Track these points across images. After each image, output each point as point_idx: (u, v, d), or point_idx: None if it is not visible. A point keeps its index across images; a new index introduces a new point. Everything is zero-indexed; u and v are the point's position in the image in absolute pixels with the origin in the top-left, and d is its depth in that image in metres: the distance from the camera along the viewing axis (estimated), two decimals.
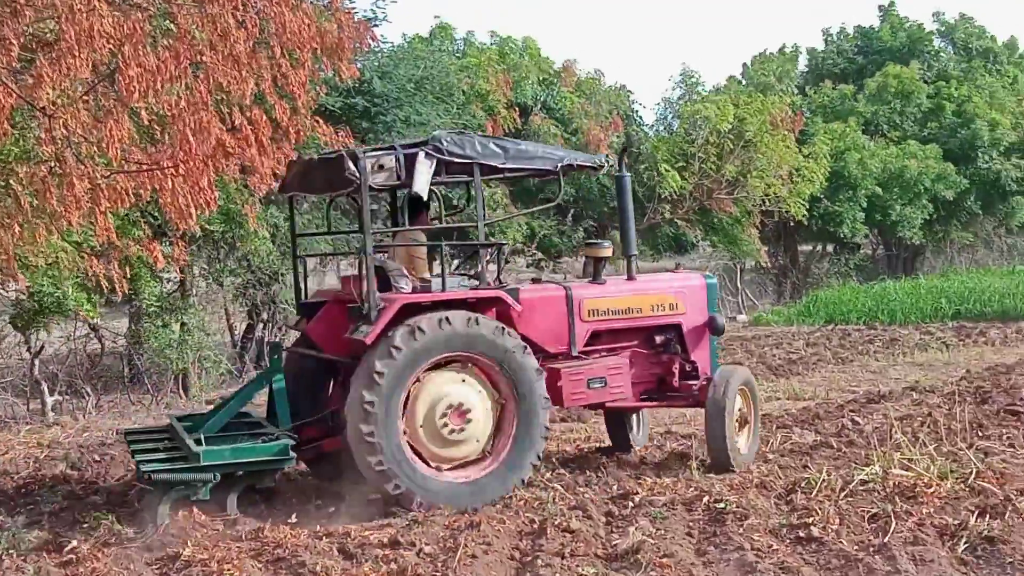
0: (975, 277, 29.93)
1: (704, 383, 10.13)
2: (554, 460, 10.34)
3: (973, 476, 8.51)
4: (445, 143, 9.33)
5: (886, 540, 7.12)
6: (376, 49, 18.67)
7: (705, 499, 8.30)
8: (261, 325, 18.23)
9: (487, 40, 23.16)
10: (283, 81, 10.24)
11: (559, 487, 9.25)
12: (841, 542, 7.20)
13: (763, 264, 31.36)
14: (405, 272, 9.51)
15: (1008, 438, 10.46)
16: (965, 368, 16.31)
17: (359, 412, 8.69)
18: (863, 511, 7.81)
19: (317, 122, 14.81)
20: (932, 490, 8.20)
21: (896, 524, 7.41)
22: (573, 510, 8.25)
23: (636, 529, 7.57)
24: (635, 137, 24.07)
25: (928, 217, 32.56)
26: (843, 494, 8.25)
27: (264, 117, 9.65)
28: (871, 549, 7.04)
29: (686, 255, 29.05)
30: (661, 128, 25.41)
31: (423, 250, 10.27)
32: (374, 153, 9.35)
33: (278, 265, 17.13)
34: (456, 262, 12.34)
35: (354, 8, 17.13)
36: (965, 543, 7.10)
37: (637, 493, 8.64)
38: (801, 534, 7.41)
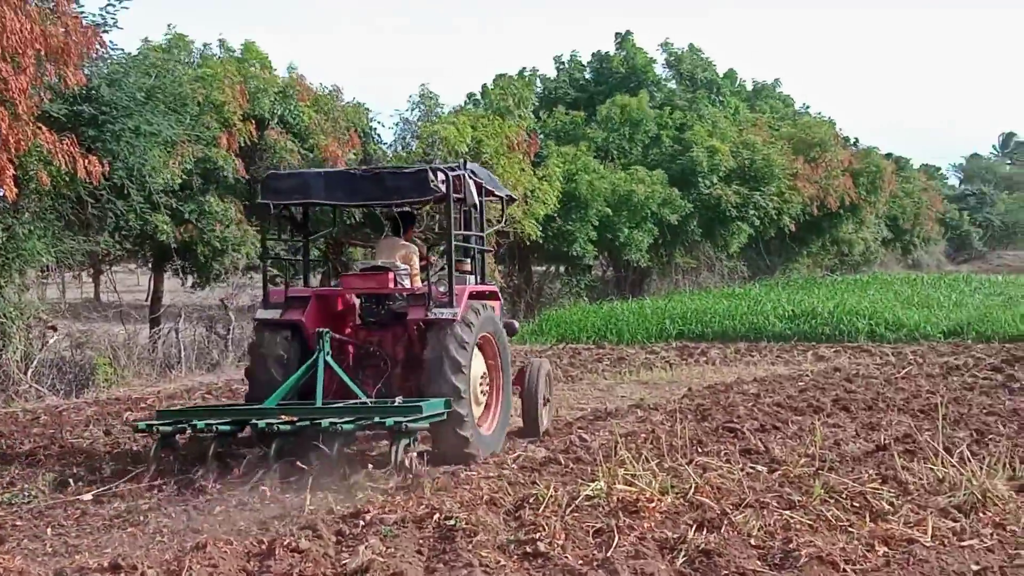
0: (697, 299, 31.22)
1: None
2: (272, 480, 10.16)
3: (692, 491, 8.82)
4: (476, 171, 12.18)
5: (609, 554, 7.30)
6: (105, 56, 18.04)
7: (436, 516, 8.31)
8: None
9: (217, 48, 22.59)
10: (2, 86, 9.78)
11: (289, 506, 9.11)
12: (566, 557, 7.34)
13: (498, 283, 31.87)
14: (408, 270, 12.18)
15: (725, 454, 10.88)
16: (687, 386, 17.02)
17: (454, 372, 10.94)
18: (588, 526, 7.99)
19: (40, 129, 14.23)
20: (654, 505, 8.45)
21: (619, 538, 7.60)
22: (303, 530, 8.11)
23: (366, 548, 7.50)
24: (373, 156, 24.01)
25: (654, 240, 33.81)
26: (569, 509, 8.42)
27: None
28: (595, 563, 7.19)
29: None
30: (399, 147, 25.40)
31: (418, 256, 12.64)
32: (447, 168, 11.56)
33: None
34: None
35: (83, 12, 16.53)
36: (684, 556, 7.33)
37: (368, 511, 8.58)
38: (528, 550, 7.51)
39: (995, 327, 24.02)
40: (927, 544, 7.47)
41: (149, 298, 22.71)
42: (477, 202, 12.10)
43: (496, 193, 13.16)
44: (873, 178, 47.07)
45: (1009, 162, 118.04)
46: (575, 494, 8.84)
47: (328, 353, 11.24)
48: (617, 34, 41.98)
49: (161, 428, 10.57)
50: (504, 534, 7.94)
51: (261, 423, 10.27)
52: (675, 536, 7.70)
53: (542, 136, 32.33)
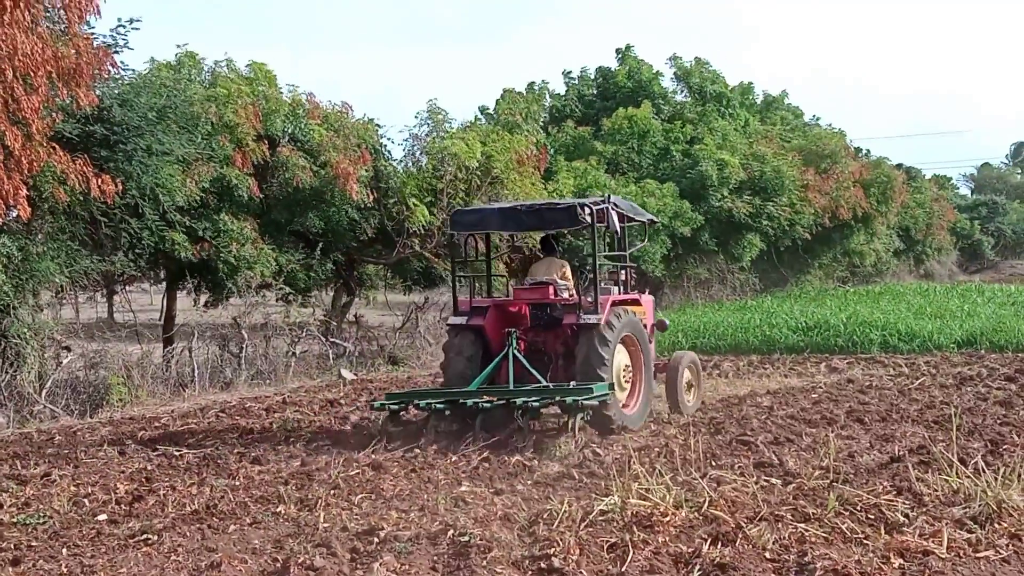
0: (710, 312, 31.20)
1: None
2: (295, 498, 10.18)
3: (707, 505, 8.85)
4: (618, 202, 14.93)
5: (623, 569, 7.33)
6: (116, 76, 18.13)
7: (450, 533, 8.34)
8: None
9: (223, 67, 22.58)
10: (15, 106, 9.84)
11: (304, 523, 9.13)
12: (581, 572, 7.37)
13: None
14: (568, 286, 14.85)
15: (739, 467, 10.90)
16: (700, 400, 16.97)
17: (598, 365, 13.59)
18: (602, 541, 8.02)
19: (53, 149, 14.31)
20: (668, 519, 8.48)
21: (633, 553, 7.63)
22: (317, 548, 8.15)
23: (380, 565, 7.54)
24: (383, 171, 24.05)
25: (667, 252, 33.81)
26: (583, 525, 8.45)
27: None
28: None
29: (435, 288, 29.20)
30: (409, 163, 25.44)
31: (569, 270, 15.38)
32: (591, 203, 14.27)
33: (9, 298, 16.38)
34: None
35: (93, 34, 16.64)
36: (699, 570, 7.36)
37: (383, 528, 8.61)
38: (543, 565, 7.54)
39: (1008, 337, 23.95)
40: (942, 556, 7.49)
41: (163, 317, 22.75)
42: (618, 228, 14.81)
43: (638, 219, 16.06)
44: (884, 189, 46.94)
45: (1020, 171, 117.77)
46: (589, 509, 8.87)
47: (516, 347, 14.01)
48: (617, 49, 41.97)
49: (390, 406, 13.55)
50: (518, 550, 7.97)
51: (469, 402, 13.10)
52: (690, 550, 7.73)
53: (552, 151, 32.34)
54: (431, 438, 12.92)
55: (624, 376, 14.40)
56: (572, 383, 13.60)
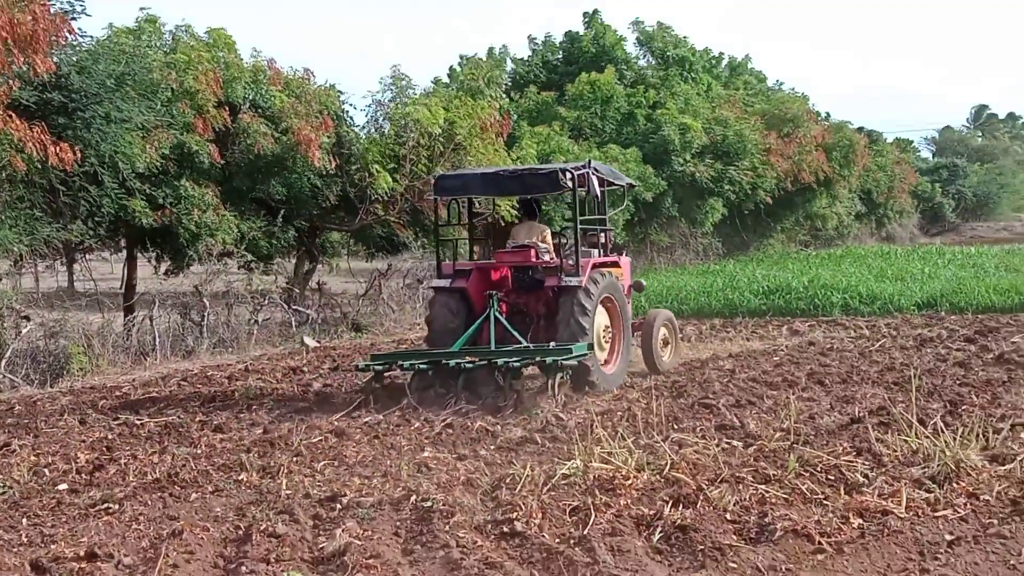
0: (673, 276, 31.29)
1: None
2: (256, 464, 10.16)
3: (668, 467, 8.90)
4: (599, 167, 15.38)
5: (586, 532, 7.35)
6: (74, 43, 17.91)
7: (413, 498, 8.35)
8: None
9: (183, 32, 22.26)
10: None
11: (266, 490, 9.11)
12: (543, 535, 7.39)
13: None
14: (548, 248, 15.14)
15: (701, 430, 10.95)
16: (678, 357, 17.13)
17: (578, 326, 13.95)
18: (565, 504, 8.05)
19: (10, 117, 14.13)
20: (630, 482, 8.53)
21: (595, 516, 7.66)
22: (279, 515, 8.14)
23: (343, 531, 7.54)
24: (345, 138, 23.90)
25: (630, 217, 33.82)
26: (546, 489, 8.48)
27: None
28: (572, 541, 7.25)
29: (398, 255, 29.11)
30: (372, 129, 25.25)
31: (549, 233, 15.70)
32: (572, 168, 14.55)
33: None
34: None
35: (51, 0, 16.42)
36: (660, 532, 7.40)
37: (345, 495, 8.61)
38: (505, 529, 7.56)
39: (968, 298, 24.14)
40: (901, 515, 7.55)
41: (123, 286, 22.57)
42: (599, 193, 15.11)
43: (617, 183, 16.47)
44: (846, 152, 47.20)
45: (981, 134, 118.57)
46: (552, 473, 8.90)
47: (497, 309, 14.47)
48: (585, 13, 41.85)
49: (374, 367, 13.80)
50: (481, 514, 7.99)
51: (452, 362, 13.34)
52: (651, 512, 7.76)
53: (515, 117, 32.23)
54: (414, 398, 13.22)
55: (604, 336, 14.80)
56: (552, 344, 13.94)
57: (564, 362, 13.33)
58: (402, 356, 14.51)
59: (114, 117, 17.48)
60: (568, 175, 14.35)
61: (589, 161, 15.29)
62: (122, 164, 17.89)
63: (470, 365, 13.32)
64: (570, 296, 14.21)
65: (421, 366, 13.63)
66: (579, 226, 14.67)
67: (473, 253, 16.86)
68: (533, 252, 14.92)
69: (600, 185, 15.17)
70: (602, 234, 16.15)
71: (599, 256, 15.46)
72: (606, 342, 14.92)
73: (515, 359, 13.20)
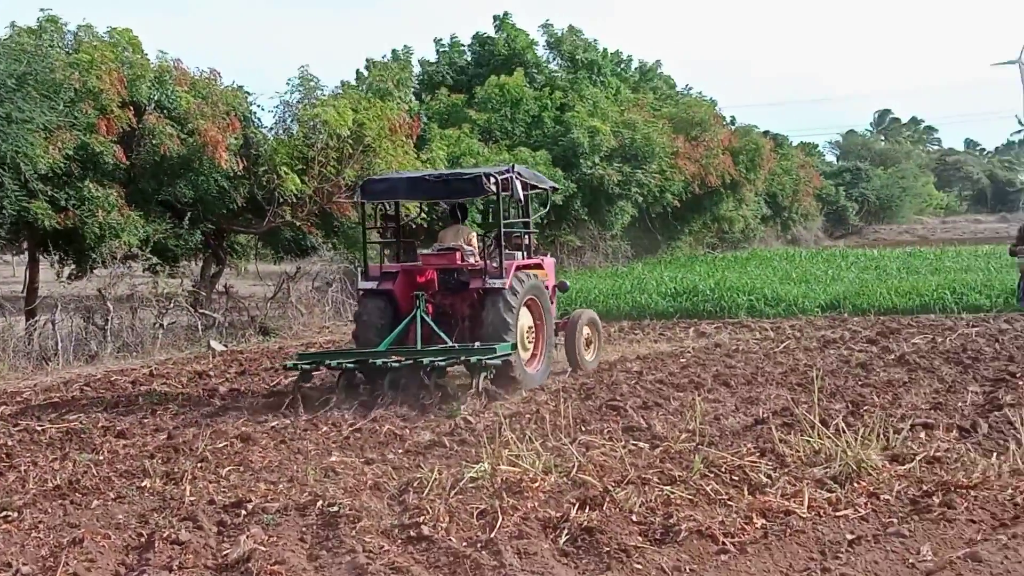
0: (582, 279, 31.42)
1: None
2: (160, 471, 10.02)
3: (576, 469, 8.95)
4: (522, 172, 15.57)
5: (493, 535, 7.36)
6: None
7: (319, 503, 8.30)
8: None
9: (84, 33, 21.86)
10: None
11: (169, 497, 8.98)
12: (451, 539, 7.38)
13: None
14: (473, 251, 15.50)
15: (608, 432, 11.02)
16: (600, 356, 17.36)
17: (503, 327, 14.39)
18: (472, 508, 8.05)
19: None
20: (537, 484, 8.55)
21: (503, 519, 7.67)
22: (183, 521, 8.04)
23: (248, 537, 7.46)
24: (253, 139, 23.66)
25: (539, 220, 33.85)
26: (454, 492, 8.48)
27: None
28: (479, 545, 7.25)
29: (307, 258, 28.89)
30: (280, 131, 25.03)
31: (475, 236, 16.17)
32: (496, 172, 14.85)
33: None
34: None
35: None
36: (566, 535, 7.43)
37: (250, 501, 8.52)
38: (412, 533, 7.54)
39: (870, 300, 24.57)
40: (803, 515, 7.66)
41: (25, 289, 22.14)
42: (522, 196, 15.52)
43: (540, 186, 16.79)
44: (752, 156, 47.77)
45: (884, 138, 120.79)
46: (459, 476, 8.90)
47: (424, 310, 14.85)
48: (495, 16, 41.81)
49: (302, 366, 14.03)
50: (388, 519, 7.96)
51: (378, 361, 13.64)
52: (558, 515, 7.79)
53: (425, 119, 32.16)
54: (341, 397, 13.54)
55: (528, 336, 15.27)
56: (477, 343, 14.34)
57: (488, 361, 13.69)
58: (329, 355, 14.78)
59: (15, 117, 17.19)
60: (492, 179, 14.66)
61: (512, 165, 15.58)
62: (24, 165, 17.58)
63: (396, 364, 13.58)
64: (494, 298, 14.62)
65: (348, 365, 13.90)
66: (502, 229, 15.04)
67: (384, 257, 17.06)
68: (459, 255, 15.26)
69: (523, 189, 15.53)
70: (525, 236, 16.54)
71: (523, 258, 15.82)
72: (530, 342, 15.36)
73: (440, 358, 13.51)
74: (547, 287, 16.22)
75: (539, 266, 16.32)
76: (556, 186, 20.27)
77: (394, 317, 15.08)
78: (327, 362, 14.19)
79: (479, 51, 41.40)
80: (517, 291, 14.76)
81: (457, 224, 16.38)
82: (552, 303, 16.40)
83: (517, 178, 15.11)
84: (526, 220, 16.60)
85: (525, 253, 16.26)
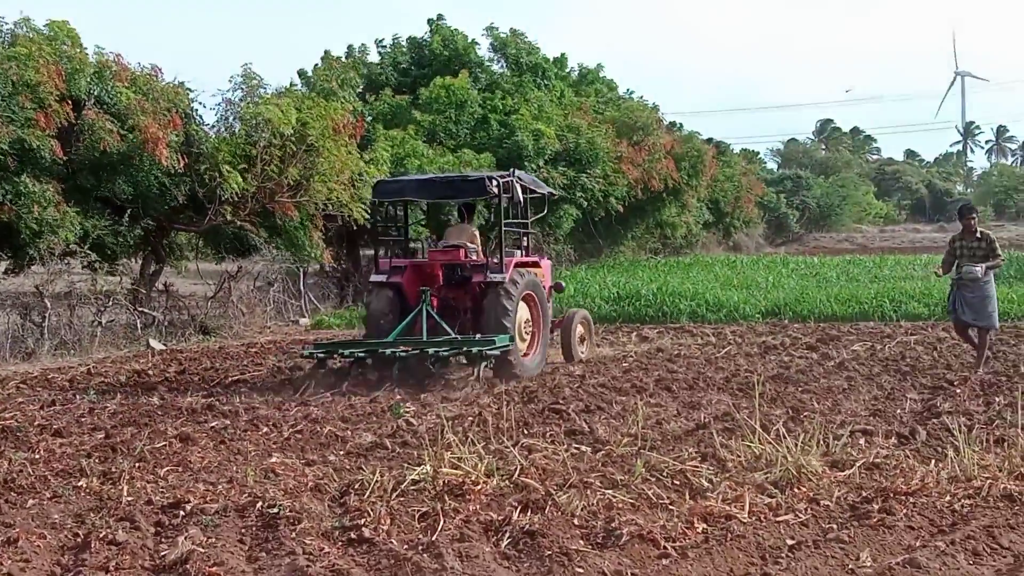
0: None
1: None
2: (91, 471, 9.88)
3: (518, 473, 8.93)
4: (522, 176, 16.83)
5: (434, 538, 7.32)
6: None
7: (259, 505, 8.21)
8: None
9: (21, 27, 21.53)
10: None
11: (106, 497, 8.86)
12: (391, 542, 7.33)
13: (326, 268, 31.50)
14: (476, 248, 16.85)
15: (551, 435, 11.02)
16: (592, 351, 17.96)
17: (502, 319, 15.62)
18: (414, 510, 8.01)
19: None
20: (479, 487, 8.53)
21: (444, 522, 7.64)
22: (120, 521, 7.92)
23: (186, 538, 7.36)
24: (194, 137, 23.43)
25: (483, 223, 33.85)
26: (395, 494, 8.43)
27: None
28: (420, 547, 7.20)
29: (249, 257, 28.66)
30: (223, 129, 24.80)
31: (478, 235, 17.40)
32: (498, 176, 16.25)
33: None
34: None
35: None
36: (508, 538, 7.40)
37: (189, 501, 8.42)
38: (353, 536, 7.49)
39: (810, 307, 24.82)
40: (744, 520, 7.69)
41: None
42: (521, 199, 16.63)
43: (539, 191, 17.84)
44: (695, 162, 48.04)
45: (825, 147, 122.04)
46: (401, 479, 8.85)
47: (429, 304, 15.99)
48: (429, 20, 41.53)
49: (318, 355, 15.47)
50: (329, 521, 7.90)
51: (388, 351, 14.94)
52: (500, 518, 7.77)
53: (369, 120, 32.01)
54: (352, 383, 14.84)
55: (525, 329, 16.47)
56: (478, 335, 15.59)
57: (488, 352, 15.00)
58: (342, 345, 16.15)
59: None
60: (494, 182, 15.98)
61: (513, 171, 16.78)
62: None
63: (404, 354, 14.87)
64: (494, 291, 15.86)
65: (360, 354, 15.23)
66: (503, 228, 16.39)
67: (378, 257, 18.02)
68: (462, 251, 16.54)
69: (523, 192, 16.69)
70: (524, 237, 18.07)
71: (521, 256, 17.15)
72: (527, 335, 16.57)
73: (444, 349, 14.96)
74: (544, 285, 17.40)
75: (536, 264, 17.60)
76: (554, 192, 21.44)
77: (402, 308, 16.29)
78: (340, 351, 15.57)
79: (416, 53, 41.20)
80: (516, 285, 15.96)
81: (463, 223, 17.85)
82: (549, 302, 17.62)
83: (517, 182, 16.36)
84: (525, 221, 17.81)
85: (524, 252, 17.64)
